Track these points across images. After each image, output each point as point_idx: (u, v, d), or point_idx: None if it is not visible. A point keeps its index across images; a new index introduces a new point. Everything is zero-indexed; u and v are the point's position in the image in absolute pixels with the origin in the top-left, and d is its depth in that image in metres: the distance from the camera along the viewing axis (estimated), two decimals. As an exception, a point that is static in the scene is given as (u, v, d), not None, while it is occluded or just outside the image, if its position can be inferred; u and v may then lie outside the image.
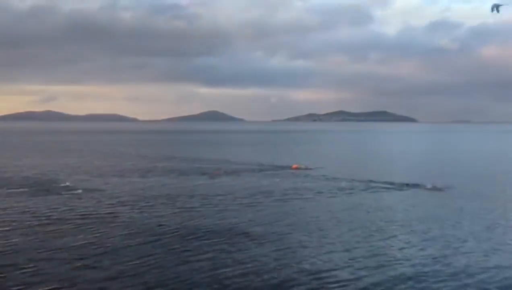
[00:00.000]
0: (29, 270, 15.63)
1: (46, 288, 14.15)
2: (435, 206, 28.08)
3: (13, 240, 19.07)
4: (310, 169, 45.34)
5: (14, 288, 14.10)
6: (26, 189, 32.07)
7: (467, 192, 33.69)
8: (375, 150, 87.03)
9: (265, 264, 16.51)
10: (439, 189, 34.18)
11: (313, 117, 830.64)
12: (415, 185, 35.56)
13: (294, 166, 47.11)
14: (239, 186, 34.73)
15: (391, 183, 36.69)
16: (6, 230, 20.65)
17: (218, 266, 16.24)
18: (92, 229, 20.93)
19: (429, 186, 35.00)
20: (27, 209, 25.27)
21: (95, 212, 24.59)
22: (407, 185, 35.84)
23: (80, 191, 31.30)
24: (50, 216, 23.61)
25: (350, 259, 17.24)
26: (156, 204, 27.22)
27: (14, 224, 21.86)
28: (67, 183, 34.54)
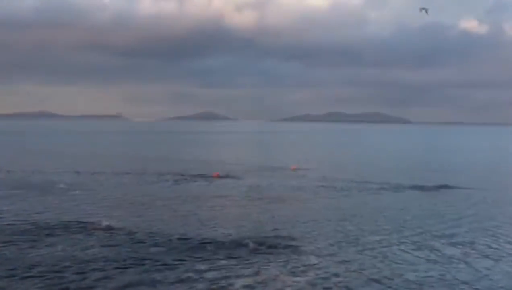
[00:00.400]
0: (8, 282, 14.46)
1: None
2: (438, 206, 27.12)
3: None
4: (309, 169, 44.29)
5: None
6: (20, 191, 30.84)
7: (465, 192, 32.84)
8: (372, 151, 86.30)
9: (273, 274, 15.43)
10: (439, 189, 33.74)
11: (308, 118, 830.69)
12: (419, 186, 34.75)
13: (293, 167, 45.85)
14: (239, 189, 33.60)
15: (388, 183, 35.89)
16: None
17: (221, 280, 15.13)
18: (84, 236, 19.73)
19: (429, 186, 34.61)
20: (18, 212, 24.04)
21: (86, 216, 23.38)
22: (414, 186, 35.05)
23: (76, 192, 30.18)
24: (40, 219, 22.37)
25: (361, 265, 16.19)
26: (151, 207, 26.05)
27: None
28: (62, 185, 33.35)
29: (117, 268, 15.61)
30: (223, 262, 16.34)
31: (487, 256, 17.82)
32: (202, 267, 15.84)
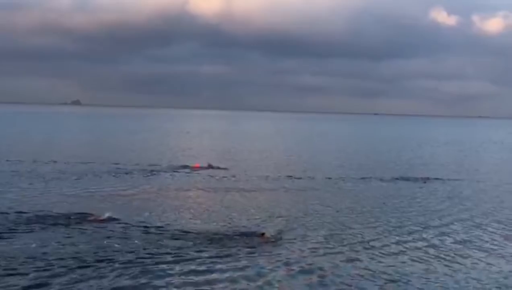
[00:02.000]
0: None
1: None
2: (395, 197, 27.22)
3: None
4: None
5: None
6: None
7: (425, 185, 33.19)
8: (338, 143, 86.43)
9: (257, 269, 14.71)
10: (395, 181, 33.40)
11: (273, 108, 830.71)
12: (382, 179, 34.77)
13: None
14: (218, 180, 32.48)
15: (358, 176, 35.75)
16: None
17: None
18: (51, 230, 18.32)
19: (388, 178, 34.47)
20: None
21: (54, 208, 21.84)
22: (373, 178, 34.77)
23: (39, 183, 28.29)
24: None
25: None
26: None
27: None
28: (20, 176, 31.30)
29: (83, 264, 14.45)
30: (206, 255, 15.53)
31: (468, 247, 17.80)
32: (183, 261, 14.99)
